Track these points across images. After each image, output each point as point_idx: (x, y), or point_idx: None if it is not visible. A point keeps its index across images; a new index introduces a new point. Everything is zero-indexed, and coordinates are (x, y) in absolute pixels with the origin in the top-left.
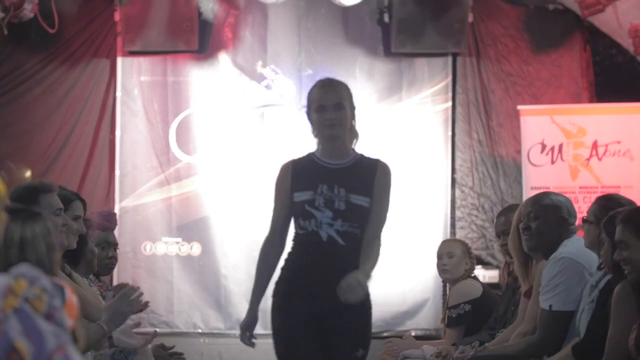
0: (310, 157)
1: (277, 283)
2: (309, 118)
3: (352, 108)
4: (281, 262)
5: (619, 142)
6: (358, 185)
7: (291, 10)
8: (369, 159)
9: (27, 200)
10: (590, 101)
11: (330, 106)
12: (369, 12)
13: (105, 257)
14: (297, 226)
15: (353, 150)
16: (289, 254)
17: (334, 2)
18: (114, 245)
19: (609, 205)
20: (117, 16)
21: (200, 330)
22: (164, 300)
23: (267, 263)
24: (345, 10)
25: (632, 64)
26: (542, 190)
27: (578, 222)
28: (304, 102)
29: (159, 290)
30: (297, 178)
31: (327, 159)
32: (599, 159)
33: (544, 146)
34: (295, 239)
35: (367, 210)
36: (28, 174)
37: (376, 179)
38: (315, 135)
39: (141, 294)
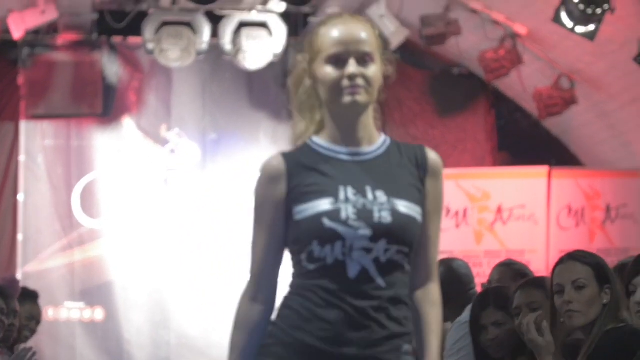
0: (310, 146)
1: (264, 350)
2: (299, 81)
3: (382, 63)
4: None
5: (523, 207)
6: (403, 186)
7: (196, 74)
8: (406, 145)
9: None
10: (495, 165)
11: (355, 56)
12: (273, 77)
13: (8, 324)
14: (303, 260)
15: (379, 131)
16: (286, 304)
17: (239, 67)
18: (14, 312)
19: (507, 272)
20: (20, 80)
21: None
22: None
23: (251, 332)
24: (250, 74)
25: (536, 128)
26: (446, 255)
27: (478, 287)
28: (209, 166)
29: (61, 357)
30: (297, 180)
31: (343, 145)
32: (504, 223)
33: (448, 210)
34: (296, 283)
35: (419, 226)
36: None
37: (428, 176)
38: (318, 107)
39: (34, 353)
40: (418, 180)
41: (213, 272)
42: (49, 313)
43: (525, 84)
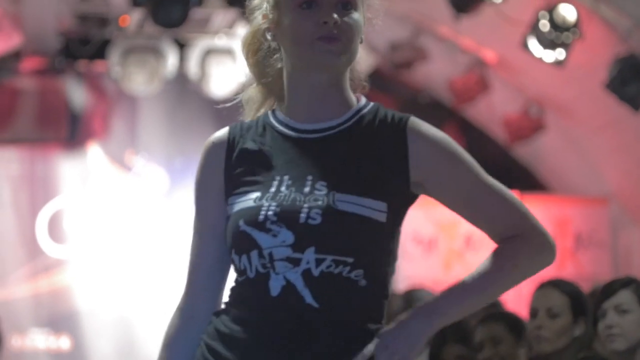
0: (265, 120)
1: None
2: (255, 40)
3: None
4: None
5: None
6: (356, 175)
7: (162, 100)
8: (387, 114)
9: None
10: None
11: (331, 2)
12: (241, 103)
13: None
14: (235, 269)
15: (353, 97)
16: (212, 320)
17: (205, 93)
18: None
19: None
20: None
21: None
22: None
23: (167, 348)
24: (217, 101)
25: (505, 154)
26: (414, 282)
27: None
28: (176, 192)
29: None
30: (235, 163)
31: (304, 120)
32: (473, 251)
33: (418, 239)
34: (231, 294)
35: (374, 227)
36: None
37: (415, 149)
38: (279, 73)
39: None
40: (393, 163)
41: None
42: (13, 341)
43: (494, 111)
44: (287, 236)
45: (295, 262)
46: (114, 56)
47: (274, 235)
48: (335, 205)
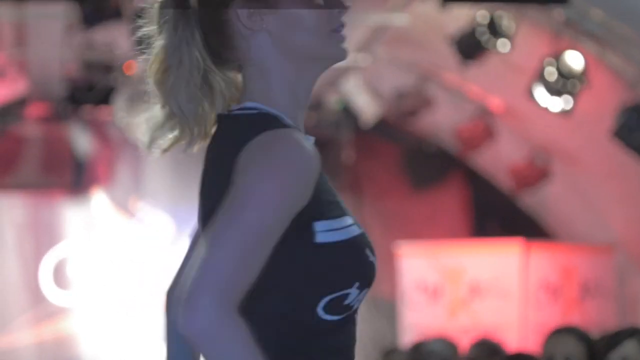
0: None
1: None
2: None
3: None
4: None
5: (497, 282)
6: None
7: None
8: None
9: None
10: (469, 239)
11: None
12: None
13: None
14: (317, 309)
15: None
16: None
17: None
18: None
19: (482, 350)
20: None
21: None
22: None
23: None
24: None
25: (511, 202)
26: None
27: None
28: (181, 238)
29: None
30: (321, 182)
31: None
32: (478, 299)
33: (424, 286)
34: (292, 345)
35: None
36: None
37: None
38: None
39: None
40: None
41: None
42: None
43: (499, 159)
44: None
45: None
46: (119, 103)
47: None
48: None
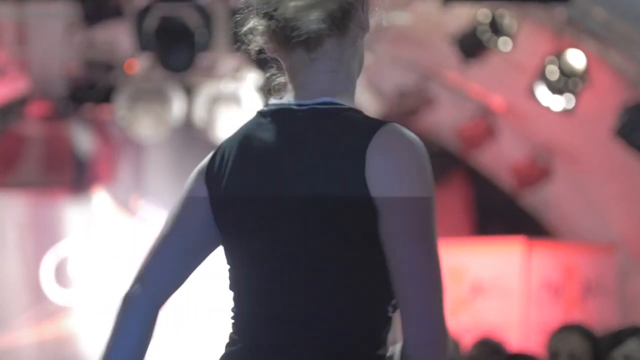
0: None
1: None
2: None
3: None
4: None
5: (498, 281)
6: None
7: (168, 144)
8: None
9: None
10: (470, 238)
11: None
12: None
13: None
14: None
15: None
16: None
17: (211, 140)
18: None
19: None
20: None
21: None
22: None
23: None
24: None
25: (512, 201)
26: None
27: None
28: None
29: None
30: None
31: None
32: (479, 298)
33: None
34: (380, 338)
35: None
36: None
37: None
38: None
39: None
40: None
41: (189, 345)
42: None
43: (501, 158)
44: None
45: None
46: (120, 101)
47: None
48: None
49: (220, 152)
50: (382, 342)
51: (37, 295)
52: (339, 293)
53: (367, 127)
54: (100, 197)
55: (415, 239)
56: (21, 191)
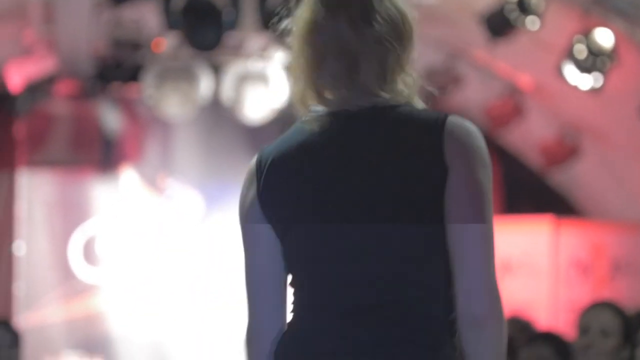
0: None
1: None
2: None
3: None
4: None
5: (527, 259)
6: None
7: (196, 123)
8: None
9: None
10: (498, 217)
11: None
12: (276, 129)
13: None
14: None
15: None
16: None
17: (239, 118)
18: None
19: (513, 328)
20: (17, 130)
21: None
22: None
23: None
24: (251, 124)
25: (540, 180)
26: None
27: None
28: (210, 215)
29: None
30: None
31: None
32: (508, 276)
33: None
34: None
35: None
36: None
37: None
38: None
39: None
40: None
41: (215, 323)
42: None
43: (529, 137)
44: None
45: None
46: (148, 80)
47: None
48: None
49: (270, 162)
50: (452, 307)
51: (66, 273)
52: (420, 262)
53: (434, 119)
54: (128, 176)
55: (482, 214)
56: (49, 170)
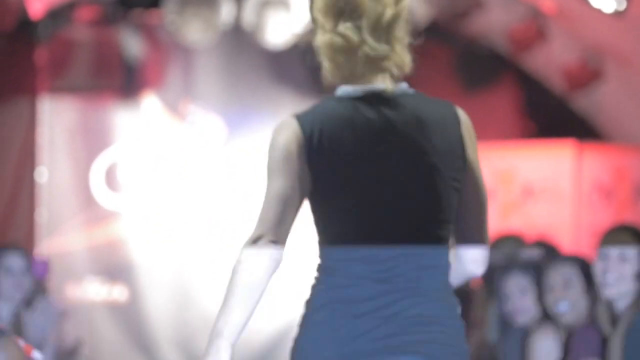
0: None
1: None
2: None
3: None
4: None
5: (550, 183)
6: None
7: (218, 49)
8: None
9: None
10: (521, 141)
11: None
12: (297, 54)
13: None
14: None
15: None
16: None
17: (261, 43)
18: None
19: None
20: (38, 56)
21: None
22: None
23: None
24: (273, 50)
25: (563, 104)
26: None
27: None
28: (232, 141)
29: (83, 337)
30: None
31: None
32: (530, 201)
33: None
34: None
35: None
36: None
37: None
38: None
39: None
40: None
41: (236, 249)
42: (69, 292)
43: (552, 61)
44: None
45: None
46: (169, 6)
47: None
48: None
49: (316, 127)
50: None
51: (87, 200)
52: (444, 208)
53: (447, 106)
54: (150, 102)
55: (481, 176)
56: (70, 96)
